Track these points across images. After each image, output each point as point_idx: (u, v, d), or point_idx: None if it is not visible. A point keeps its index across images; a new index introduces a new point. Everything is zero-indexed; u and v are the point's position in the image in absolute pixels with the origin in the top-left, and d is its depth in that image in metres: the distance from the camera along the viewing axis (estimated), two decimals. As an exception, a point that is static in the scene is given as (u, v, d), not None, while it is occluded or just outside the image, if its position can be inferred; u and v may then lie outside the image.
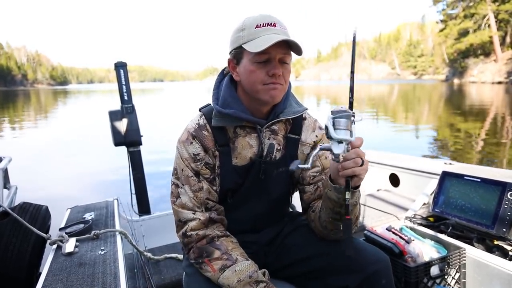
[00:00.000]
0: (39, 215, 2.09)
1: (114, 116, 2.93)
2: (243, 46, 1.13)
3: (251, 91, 1.18)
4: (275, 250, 1.36)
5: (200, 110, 1.31)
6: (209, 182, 1.24)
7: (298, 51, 1.14)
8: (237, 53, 1.17)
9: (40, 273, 1.45)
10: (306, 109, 1.32)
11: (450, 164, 2.47)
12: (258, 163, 1.25)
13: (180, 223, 1.22)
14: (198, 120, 1.26)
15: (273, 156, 1.27)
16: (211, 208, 1.24)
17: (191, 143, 1.22)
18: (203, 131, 1.24)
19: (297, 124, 1.32)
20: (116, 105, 3.06)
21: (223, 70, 1.31)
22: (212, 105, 1.25)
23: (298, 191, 1.39)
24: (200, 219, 1.20)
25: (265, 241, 1.36)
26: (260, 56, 1.11)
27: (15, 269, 1.92)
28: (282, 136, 1.29)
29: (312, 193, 1.30)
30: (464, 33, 60.57)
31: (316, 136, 1.33)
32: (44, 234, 1.73)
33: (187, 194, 1.21)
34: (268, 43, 1.07)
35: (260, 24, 1.12)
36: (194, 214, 1.20)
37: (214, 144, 1.23)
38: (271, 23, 1.12)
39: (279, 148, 1.28)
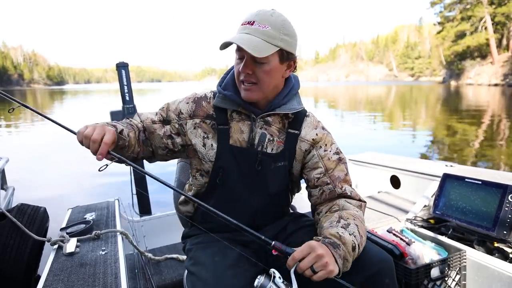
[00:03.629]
0: (37, 216, 2.08)
1: (115, 116, 2.92)
2: None
3: (237, 84, 1.27)
4: None
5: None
6: (162, 134, 1.32)
7: (256, 54, 1.12)
8: None
9: (39, 275, 1.44)
10: (303, 108, 1.34)
11: (451, 166, 2.48)
12: (255, 153, 1.27)
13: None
14: (207, 92, 1.37)
15: (264, 146, 1.28)
16: (147, 133, 1.33)
17: (187, 103, 1.33)
18: (203, 101, 1.34)
19: (297, 120, 1.33)
20: (114, 105, 3.05)
21: None
22: (216, 86, 1.34)
23: (307, 194, 1.38)
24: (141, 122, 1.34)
25: None
26: (236, 53, 1.21)
27: (13, 271, 1.91)
28: (276, 128, 1.31)
29: (318, 197, 1.30)
30: (461, 35, 61.00)
31: (316, 135, 1.33)
32: (43, 238, 1.72)
33: (148, 114, 1.36)
34: (223, 42, 1.16)
35: (243, 22, 1.18)
36: (139, 117, 1.35)
37: (203, 116, 1.31)
38: (250, 22, 1.16)
39: (271, 139, 1.29)
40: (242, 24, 1.18)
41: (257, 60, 1.16)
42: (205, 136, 1.29)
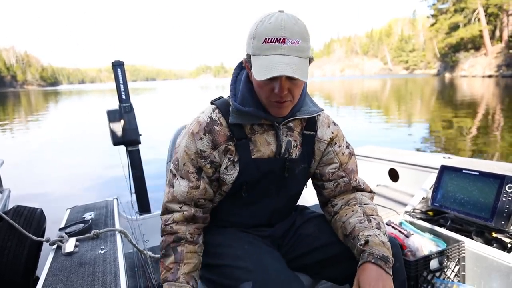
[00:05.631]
0: (33, 218, 2.07)
1: (112, 115, 2.92)
2: (252, 58, 1.08)
3: (261, 102, 1.16)
4: (289, 242, 1.37)
5: (212, 102, 1.27)
6: (209, 181, 1.23)
7: (303, 78, 1.06)
8: (249, 60, 1.10)
9: (37, 277, 1.44)
10: (322, 110, 1.31)
11: (449, 158, 2.48)
12: (282, 161, 1.24)
13: (166, 211, 1.26)
14: (211, 114, 1.22)
15: (291, 153, 1.26)
16: (200, 205, 1.25)
17: (201, 138, 1.19)
18: (215, 126, 1.20)
19: (311, 120, 1.31)
20: (110, 105, 3.04)
21: (241, 63, 1.26)
22: (229, 101, 1.21)
23: (315, 187, 1.40)
24: (184, 213, 1.22)
25: (279, 235, 1.37)
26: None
27: (11, 273, 1.90)
28: (297, 132, 1.28)
29: (332, 189, 1.32)
30: (454, 28, 61.26)
31: (332, 132, 1.32)
32: (41, 239, 1.72)
33: (181, 189, 1.22)
34: (267, 73, 1.02)
35: (268, 39, 1.03)
36: (180, 207, 1.23)
37: (225, 140, 1.20)
38: (280, 39, 1.02)
39: (295, 144, 1.27)
40: (268, 42, 1.03)
41: (293, 78, 1.06)
42: (231, 158, 1.21)
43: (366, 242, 1.09)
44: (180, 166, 1.22)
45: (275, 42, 1.03)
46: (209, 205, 1.29)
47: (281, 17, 1.04)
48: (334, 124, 1.35)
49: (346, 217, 1.23)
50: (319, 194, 1.38)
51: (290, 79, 1.07)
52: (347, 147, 1.35)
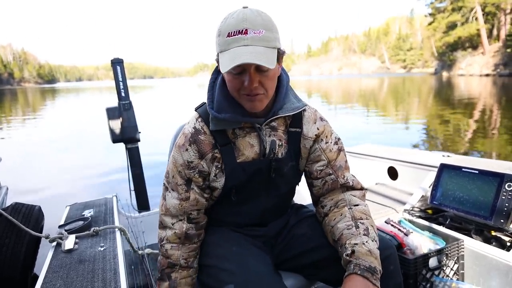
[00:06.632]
0: (31, 215, 2.06)
1: (111, 113, 2.92)
2: (219, 55, 1.08)
3: (234, 97, 1.15)
4: (282, 241, 1.36)
5: (196, 110, 1.27)
6: (200, 190, 1.24)
7: (270, 66, 1.04)
8: (219, 58, 1.10)
9: (35, 274, 1.44)
10: (306, 105, 1.29)
11: (448, 156, 2.49)
12: (268, 162, 1.23)
13: (161, 225, 1.28)
14: (195, 124, 1.23)
15: (276, 152, 1.24)
16: (192, 220, 1.26)
17: (187, 149, 1.20)
18: (199, 136, 1.21)
19: (297, 117, 1.28)
20: (107, 103, 3.05)
21: (217, 67, 1.22)
22: (207, 108, 1.20)
23: (307, 185, 1.38)
24: (176, 232, 1.24)
25: (272, 234, 1.37)
26: (233, 68, 1.04)
27: (9, 270, 1.90)
28: (282, 131, 1.27)
29: (320, 187, 1.30)
30: (452, 26, 61.54)
31: (318, 129, 1.29)
32: (41, 234, 1.72)
33: (173, 201, 1.24)
34: (230, 63, 1.02)
35: (231, 33, 1.04)
36: (173, 224, 1.25)
37: (211, 148, 1.21)
38: (242, 31, 1.02)
39: (280, 143, 1.26)
40: (231, 36, 1.04)
41: (261, 69, 1.06)
42: (218, 165, 1.22)
43: (353, 252, 1.07)
44: (170, 179, 1.25)
45: (238, 35, 1.03)
46: (203, 220, 1.30)
47: (243, 11, 1.05)
48: (321, 119, 1.32)
49: (335, 221, 1.21)
50: (311, 192, 1.36)
51: (259, 71, 1.06)
52: (336, 143, 1.31)
